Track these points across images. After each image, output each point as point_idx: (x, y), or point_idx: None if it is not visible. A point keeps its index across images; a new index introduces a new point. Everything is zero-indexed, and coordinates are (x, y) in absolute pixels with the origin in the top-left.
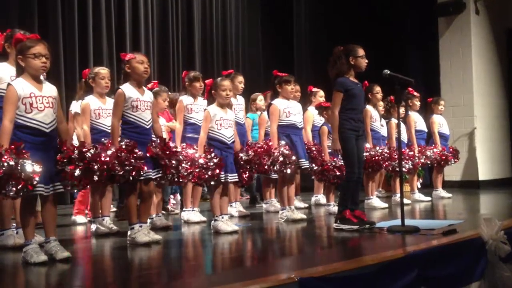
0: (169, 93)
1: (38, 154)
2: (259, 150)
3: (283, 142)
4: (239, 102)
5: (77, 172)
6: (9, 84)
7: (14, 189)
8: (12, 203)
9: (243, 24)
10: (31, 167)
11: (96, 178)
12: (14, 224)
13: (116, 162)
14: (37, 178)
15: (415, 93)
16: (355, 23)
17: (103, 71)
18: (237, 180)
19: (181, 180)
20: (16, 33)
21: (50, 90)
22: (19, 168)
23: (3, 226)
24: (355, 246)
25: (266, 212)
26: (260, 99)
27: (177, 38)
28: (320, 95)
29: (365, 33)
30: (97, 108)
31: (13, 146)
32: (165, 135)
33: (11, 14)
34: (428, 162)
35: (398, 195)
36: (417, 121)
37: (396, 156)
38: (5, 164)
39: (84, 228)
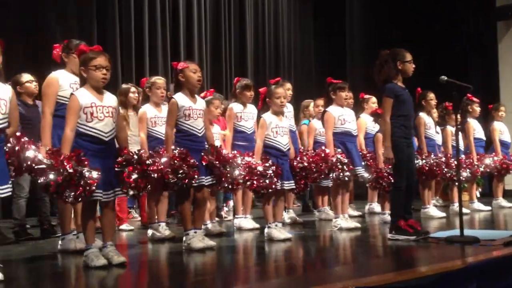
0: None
1: (97, 161)
2: (315, 157)
3: (339, 150)
4: (288, 109)
5: (135, 175)
6: (72, 94)
7: (73, 194)
8: (71, 208)
9: (295, 32)
10: (90, 173)
11: (150, 185)
12: (74, 228)
13: (169, 170)
14: (95, 185)
15: (474, 99)
16: (409, 28)
17: (159, 81)
18: (293, 187)
19: (235, 187)
20: (80, 45)
21: (110, 100)
22: (78, 175)
23: (64, 231)
24: (411, 256)
25: (318, 220)
26: (312, 106)
27: (229, 46)
28: (372, 102)
29: (420, 38)
30: (153, 116)
31: (73, 154)
32: (219, 142)
33: (72, 26)
34: (488, 170)
35: (456, 204)
36: (476, 128)
37: (453, 164)
38: (65, 171)
39: (133, 234)
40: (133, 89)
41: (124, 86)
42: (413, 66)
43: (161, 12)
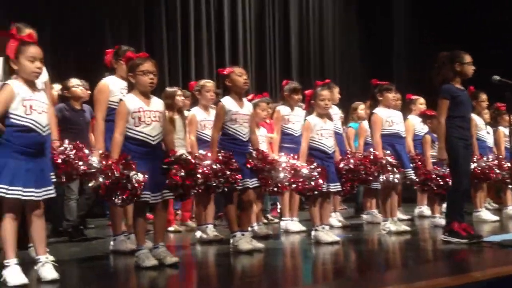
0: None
1: (145, 164)
2: (364, 159)
3: (387, 152)
4: (334, 111)
5: (182, 173)
6: (121, 100)
7: (120, 197)
8: (122, 211)
9: (339, 32)
10: (137, 176)
11: (196, 188)
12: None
13: (212, 173)
14: (141, 188)
15: None
16: (461, 28)
17: (209, 84)
18: (339, 189)
19: (281, 190)
20: (127, 52)
21: (157, 105)
22: (124, 178)
23: (116, 232)
24: (464, 261)
25: (366, 223)
26: (361, 108)
27: (274, 49)
28: (420, 103)
29: (471, 37)
30: (203, 120)
31: (121, 158)
32: (265, 146)
33: (122, 33)
34: None
35: (510, 207)
36: None
37: (506, 166)
38: (113, 175)
39: (180, 236)
40: (179, 92)
41: (170, 89)
42: (473, 67)
43: (206, 18)
